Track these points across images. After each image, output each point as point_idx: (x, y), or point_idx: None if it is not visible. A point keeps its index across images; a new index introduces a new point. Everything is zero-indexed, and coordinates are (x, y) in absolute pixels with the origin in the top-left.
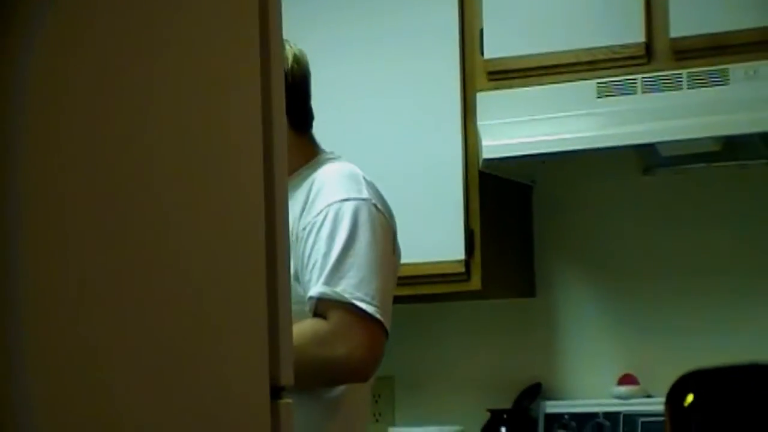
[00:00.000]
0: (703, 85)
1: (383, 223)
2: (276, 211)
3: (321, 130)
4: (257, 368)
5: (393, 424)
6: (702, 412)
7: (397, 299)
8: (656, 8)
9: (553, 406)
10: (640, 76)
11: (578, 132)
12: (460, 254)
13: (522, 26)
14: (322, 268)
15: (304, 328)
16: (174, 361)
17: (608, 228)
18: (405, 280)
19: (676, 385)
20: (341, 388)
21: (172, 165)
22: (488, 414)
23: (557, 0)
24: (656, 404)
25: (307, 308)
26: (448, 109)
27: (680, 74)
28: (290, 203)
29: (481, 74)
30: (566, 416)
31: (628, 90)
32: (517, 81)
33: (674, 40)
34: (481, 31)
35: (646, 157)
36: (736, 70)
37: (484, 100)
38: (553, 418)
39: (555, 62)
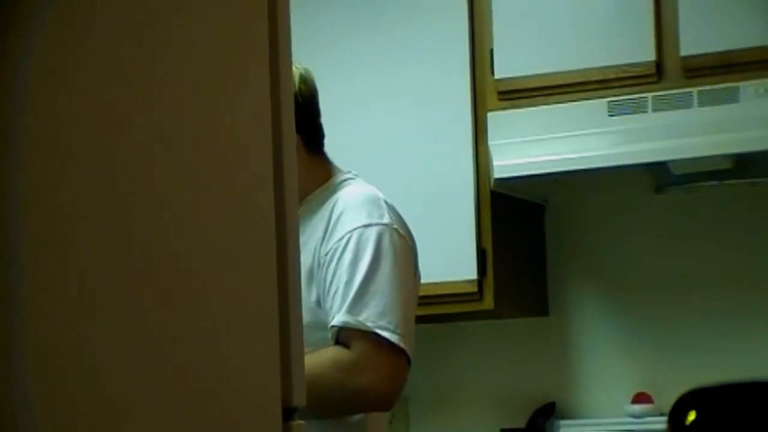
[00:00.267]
0: (714, 103)
1: (405, 248)
2: (287, 231)
3: (333, 151)
4: (269, 390)
5: None
6: (704, 430)
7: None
8: (666, 27)
9: (567, 425)
10: (650, 94)
11: (590, 151)
12: (472, 274)
13: (532, 46)
14: (344, 296)
15: (326, 356)
16: (183, 381)
17: (621, 246)
18: (418, 300)
19: (678, 402)
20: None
21: (178, 172)
22: None
23: (567, 19)
24: None
25: (329, 335)
26: (459, 129)
27: (691, 92)
28: (310, 228)
29: (491, 94)
30: None
31: (639, 108)
32: (527, 100)
33: (684, 58)
34: (492, 51)
35: (657, 176)
36: (747, 87)
37: (495, 119)
38: None
39: (566, 81)
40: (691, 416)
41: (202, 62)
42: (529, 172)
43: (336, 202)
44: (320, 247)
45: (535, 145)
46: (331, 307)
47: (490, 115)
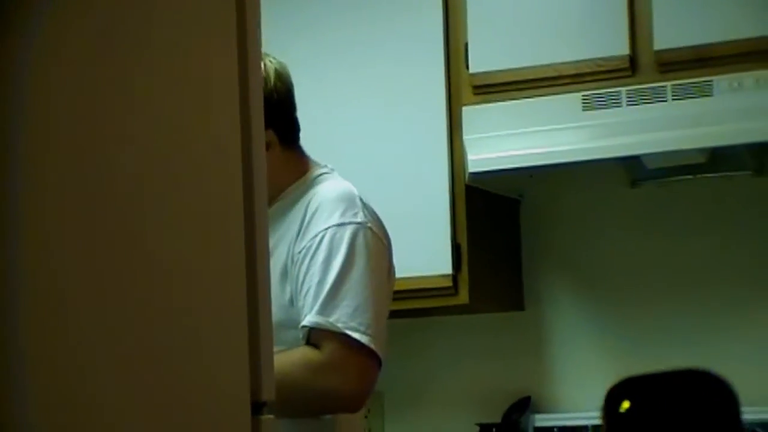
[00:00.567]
0: (688, 97)
1: (379, 248)
2: (257, 228)
3: (307, 146)
4: (238, 383)
5: None
6: (638, 419)
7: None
8: (640, 21)
9: (542, 420)
10: (624, 88)
11: (564, 145)
12: (447, 269)
13: (507, 40)
14: (316, 296)
15: (295, 356)
16: (152, 375)
17: (596, 241)
18: (393, 294)
19: (612, 391)
20: None
21: (147, 171)
22: (477, 428)
23: (541, 14)
24: None
25: (300, 335)
26: (434, 123)
27: (665, 86)
28: (285, 224)
29: (466, 88)
30: (556, 429)
31: (613, 103)
32: (502, 95)
33: (658, 52)
34: (466, 45)
35: (632, 170)
36: (721, 81)
37: (470, 114)
38: None
39: (540, 75)
40: (625, 405)
41: (170, 62)
42: (503, 166)
43: (311, 198)
44: (294, 245)
45: (510, 140)
46: (303, 306)
47: (464, 109)
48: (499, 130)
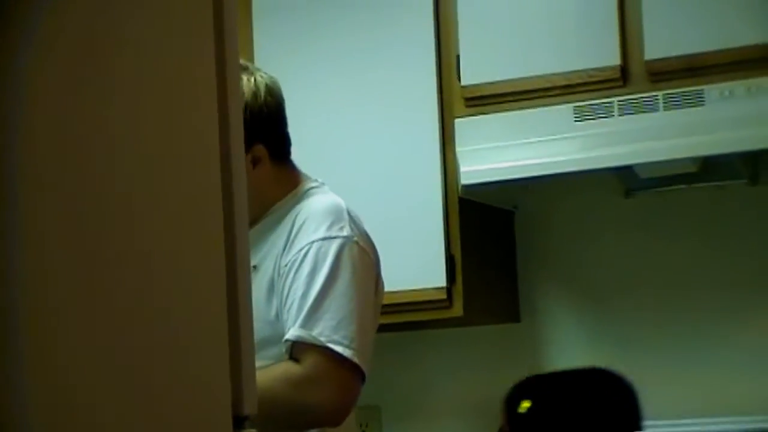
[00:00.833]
0: (680, 106)
1: (366, 262)
2: (237, 241)
3: (299, 159)
4: (219, 397)
5: None
6: (538, 418)
7: (380, 327)
8: (631, 31)
9: None
10: (616, 99)
11: (556, 156)
12: (441, 281)
13: (498, 52)
14: (299, 310)
15: (277, 370)
16: (132, 389)
17: (591, 251)
18: (387, 308)
19: (513, 391)
20: None
21: (129, 184)
22: None
23: (532, 25)
24: (648, 426)
25: (284, 349)
26: (427, 135)
27: (656, 96)
28: (273, 238)
29: (458, 100)
30: None
31: (605, 113)
32: (494, 106)
33: (649, 62)
34: (458, 57)
35: (625, 180)
36: (712, 90)
37: (462, 126)
38: None
39: (531, 87)
40: (525, 405)
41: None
42: (496, 178)
43: (299, 212)
44: (280, 258)
45: (502, 151)
46: (287, 320)
47: (457, 121)
48: (492, 142)
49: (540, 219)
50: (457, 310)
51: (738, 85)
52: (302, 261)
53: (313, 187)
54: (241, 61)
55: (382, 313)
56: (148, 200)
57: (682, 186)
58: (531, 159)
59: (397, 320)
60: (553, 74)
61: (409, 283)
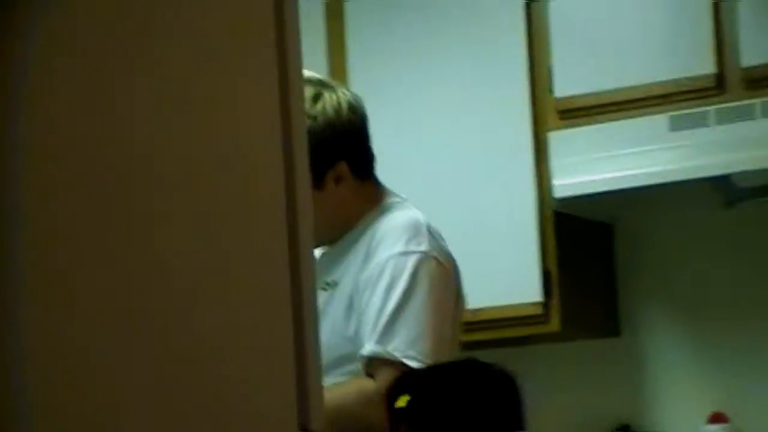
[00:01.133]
0: None
1: (443, 277)
2: (301, 253)
3: (392, 174)
4: (284, 412)
5: None
6: (417, 412)
7: (476, 344)
8: (726, 38)
9: None
10: (712, 107)
11: (651, 167)
12: (537, 296)
13: (591, 63)
14: (375, 325)
15: (351, 386)
16: (194, 401)
17: (693, 263)
18: (482, 324)
19: (393, 386)
20: None
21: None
22: None
23: (625, 35)
24: None
25: (361, 366)
26: (520, 149)
27: (754, 104)
28: (352, 253)
29: (551, 113)
30: None
31: (701, 122)
32: (587, 118)
33: (746, 69)
34: (550, 69)
35: (725, 191)
36: None
37: (556, 138)
38: None
39: (626, 98)
40: (403, 400)
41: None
42: (589, 190)
43: (377, 228)
44: (359, 274)
45: (596, 164)
46: (364, 335)
47: (550, 134)
48: (585, 155)
49: (640, 232)
50: (554, 325)
51: None
52: (379, 276)
53: (394, 203)
54: (324, 79)
55: (478, 330)
56: (201, 207)
57: None
58: (625, 171)
59: (494, 336)
60: (648, 84)
61: (505, 299)
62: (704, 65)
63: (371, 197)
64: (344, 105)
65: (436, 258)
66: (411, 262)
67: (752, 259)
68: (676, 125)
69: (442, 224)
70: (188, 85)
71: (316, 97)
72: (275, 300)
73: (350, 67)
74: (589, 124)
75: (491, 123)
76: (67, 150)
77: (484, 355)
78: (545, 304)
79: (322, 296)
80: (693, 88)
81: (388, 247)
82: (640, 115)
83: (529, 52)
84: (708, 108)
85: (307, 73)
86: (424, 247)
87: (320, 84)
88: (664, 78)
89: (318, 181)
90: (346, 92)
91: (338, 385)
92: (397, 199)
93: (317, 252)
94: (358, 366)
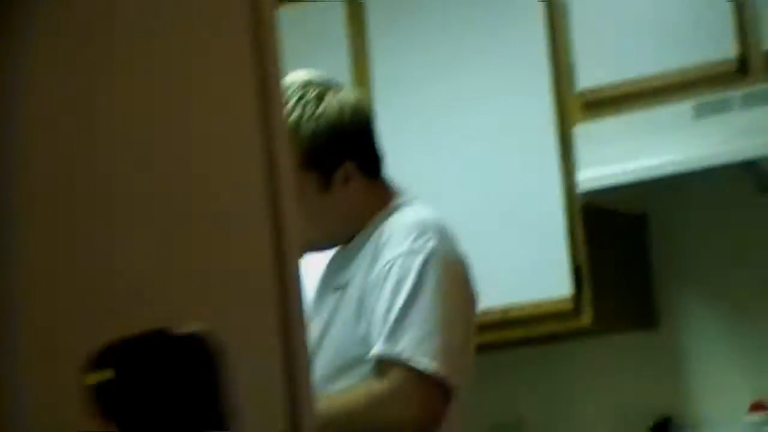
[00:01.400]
0: None
1: (453, 274)
2: (287, 257)
3: (416, 172)
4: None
5: None
6: (115, 388)
7: (512, 343)
8: (747, 21)
9: None
10: (736, 92)
11: (676, 155)
12: (567, 291)
13: (612, 54)
14: (383, 326)
15: (359, 389)
16: None
17: (728, 251)
18: (515, 322)
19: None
20: None
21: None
22: None
23: (645, 23)
24: None
25: (370, 367)
26: (544, 143)
27: None
28: (361, 255)
29: (575, 106)
30: None
31: (725, 108)
32: (611, 110)
33: None
34: (572, 63)
35: (757, 176)
36: None
37: (580, 131)
38: None
39: (648, 87)
40: (102, 375)
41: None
42: (616, 182)
43: (385, 228)
44: (367, 275)
45: (621, 155)
46: (373, 337)
47: (574, 127)
48: (610, 146)
49: (673, 222)
50: (586, 319)
51: None
52: (386, 276)
53: (403, 203)
54: (328, 79)
55: (511, 327)
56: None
57: None
58: (651, 160)
59: (526, 334)
60: (669, 72)
61: (535, 295)
62: (726, 49)
63: (382, 196)
64: (347, 105)
65: (444, 256)
66: (418, 260)
67: None
68: (699, 112)
69: (469, 224)
70: (171, 84)
71: (319, 98)
72: (262, 303)
73: (372, 66)
74: (613, 115)
75: (516, 120)
76: (57, 150)
77: (520, 353)
78: (576, 299)
79: (333, 298)
80: (715, 73)
81: (395, 247)
82: (663, 104)
83: (551, 46)
84: (732, 93)
85: (311, 73)
86: (431, 246)
87: (323, 84)
88: (685, 64)
89: (326, 182)
90: (349, 92)
91: (348, 388)
92: (408, 199)
93: (330, 252)
94: (368, 367)
